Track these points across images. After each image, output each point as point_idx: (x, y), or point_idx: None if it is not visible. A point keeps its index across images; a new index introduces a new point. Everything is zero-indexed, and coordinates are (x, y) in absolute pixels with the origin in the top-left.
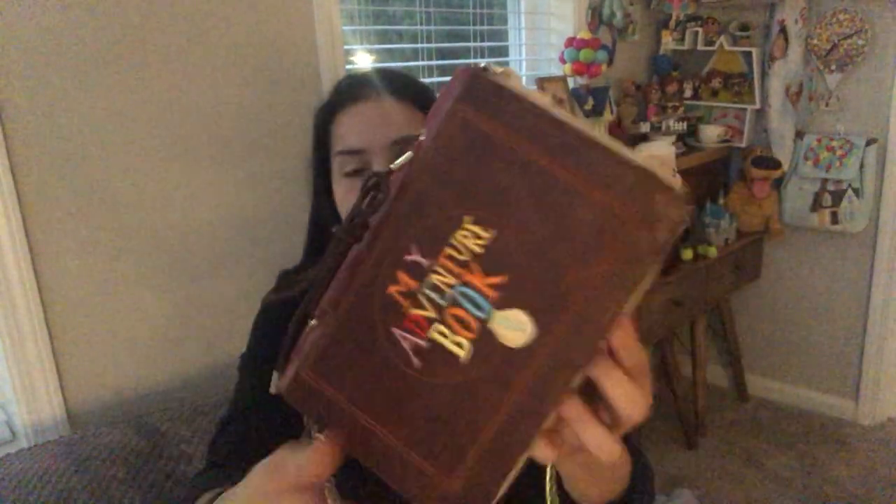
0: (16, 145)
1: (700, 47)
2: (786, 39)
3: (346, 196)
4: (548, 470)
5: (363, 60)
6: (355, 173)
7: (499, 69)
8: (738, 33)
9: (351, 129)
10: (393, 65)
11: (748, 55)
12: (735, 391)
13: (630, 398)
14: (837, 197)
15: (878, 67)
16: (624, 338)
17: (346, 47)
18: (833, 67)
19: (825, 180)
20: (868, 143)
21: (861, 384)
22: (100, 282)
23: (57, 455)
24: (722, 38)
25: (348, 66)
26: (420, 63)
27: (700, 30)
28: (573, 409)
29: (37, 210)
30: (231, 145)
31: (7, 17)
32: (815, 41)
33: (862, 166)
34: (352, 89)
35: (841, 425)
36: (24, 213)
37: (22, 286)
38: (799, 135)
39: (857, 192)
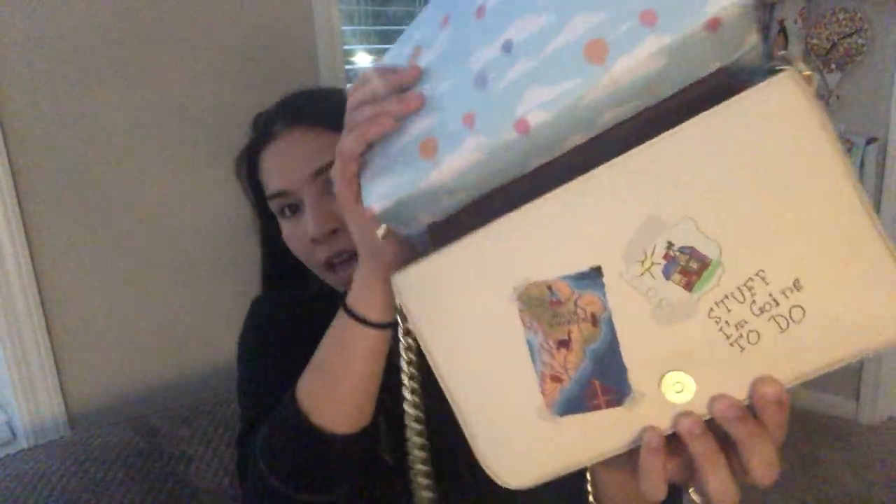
0: (16, 146)
1: None
2: (785, 38)
3: (291, 235)
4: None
5: (363, 60)
6: (292, 213)
7: (804, 69)
8: None
9: (271, 172)
10: None
11: None
12: None
13: (769, 466)
14: None
15: (878, 66)
16: (780, 415)
17: (345, 47)
18: (833, 66)
19: None
20: (868, 143)
21: (861, 384)
22: (100, 282)
23: (57, 455)
24: None
25: (348, 67)
26: None
27: None
28: (706, 449)
29: (37, 210)
30: (230, 146)
31: (7, 19)
32: (814, 40)
33: (862, 165)
34: (265, 128)
35: (841, 425)
36: (24, 213)
37: (22, 286)
38: None
39: None
